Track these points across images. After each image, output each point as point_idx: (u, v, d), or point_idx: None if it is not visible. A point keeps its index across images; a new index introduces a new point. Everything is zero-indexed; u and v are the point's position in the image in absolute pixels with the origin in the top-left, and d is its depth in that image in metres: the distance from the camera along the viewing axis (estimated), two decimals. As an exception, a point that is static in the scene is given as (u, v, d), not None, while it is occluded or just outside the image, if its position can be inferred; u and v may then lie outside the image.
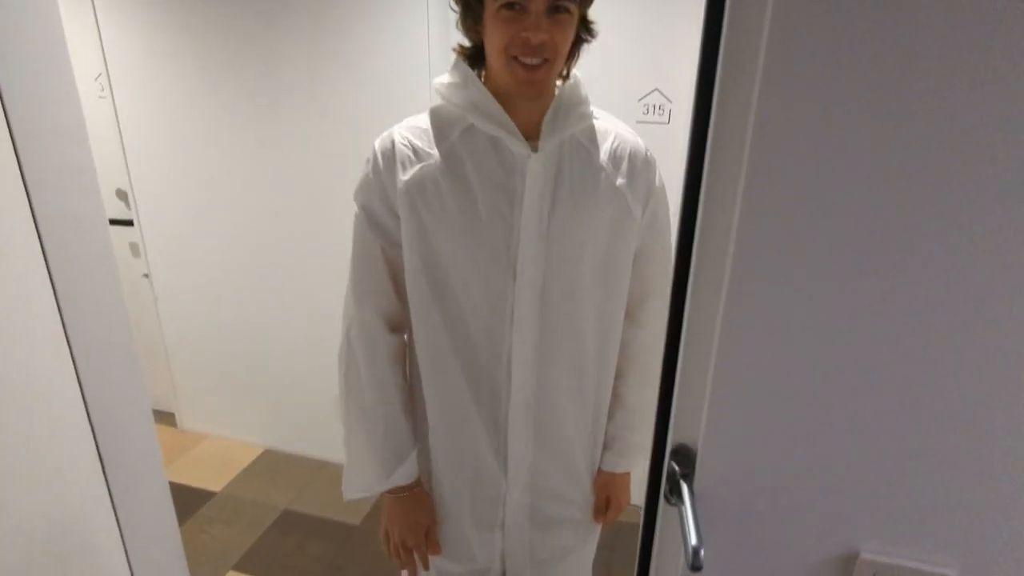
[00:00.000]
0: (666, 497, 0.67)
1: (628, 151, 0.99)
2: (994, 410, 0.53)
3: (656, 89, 1.82)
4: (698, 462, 0.63)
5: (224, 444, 2.70)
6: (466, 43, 0.97)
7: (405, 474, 1.05)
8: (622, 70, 1.81)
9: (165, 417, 2.81)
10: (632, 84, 1.83)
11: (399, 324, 1.05)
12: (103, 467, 1.01)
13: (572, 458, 1.07)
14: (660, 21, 1.76)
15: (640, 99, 1.84)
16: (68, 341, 0.92)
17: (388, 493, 1.07)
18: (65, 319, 0.91)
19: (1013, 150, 0.46)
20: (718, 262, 0.57)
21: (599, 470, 1.12)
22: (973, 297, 0.51)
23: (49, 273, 0.88)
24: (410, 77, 1.95)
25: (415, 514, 1.07)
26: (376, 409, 1.03)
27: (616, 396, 1.11)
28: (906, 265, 0.51)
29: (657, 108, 1.84)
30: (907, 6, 0.45)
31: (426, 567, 1.09)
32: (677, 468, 0.65)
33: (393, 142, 0.96)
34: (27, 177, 0.84)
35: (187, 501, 2.32)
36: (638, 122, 1.86)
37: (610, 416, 1.11)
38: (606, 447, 1.12)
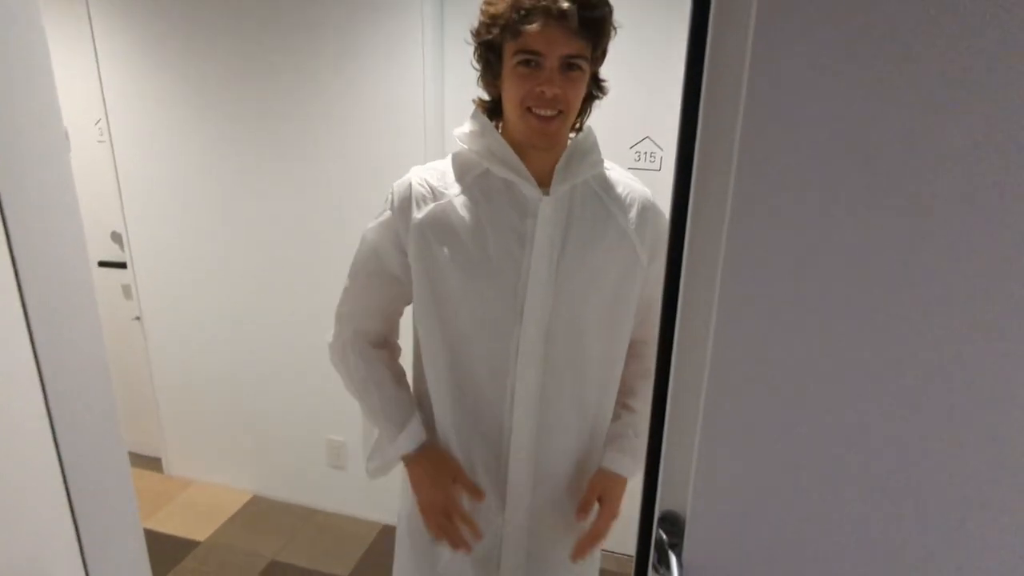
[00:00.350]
0: (655, 567, 0.64)
1: (638, 199, 1.04)
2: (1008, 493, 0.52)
3: (647, 137, 1.85)
4: (687, 531, 0.61)
5: (211, 490, 2.63)
6: (485, 97, 1.02)
7: (410, 438, 1.06)
8: (614, 118, 1.84)
9: (151, 463, 2.75)
10: (624, 132, 1.86)
11: (381, 343, 1.13)
12: (74, 518, 0.97)
13: (571, 498, 1.08)
14: (651, 71, 1.80)
15: (631, 147, 1.87)
16: (43, 384, 0.90)
17: (405, 464, 1.08)
18: (41, 362, 0.89)
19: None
20: (703, 317, 0.56)
21: (597, 469, 1.10)
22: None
23: (26, 315, 0.87)
24: (405, 125, 1.98)
25: (434, 471, 1.05)
26: (367, 388, 1.09)
27: (623, 405, 1.13)
28: (894, 342, 0.50)
29: (648, 155, 1.86)
30: (892, 68, 0.46)
31: (467, 524, 1.04)
32: (665, 537, 0.62)
33: (411, 183, 1.00)
34: (8, 218, 0.83)
35: (170, 551, 2.25)
36: (630, 168, 1.87)
37: (615, 418, 1.12)
38: (607, 444, 1.11)
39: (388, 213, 1.02)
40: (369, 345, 1.11)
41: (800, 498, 0.57)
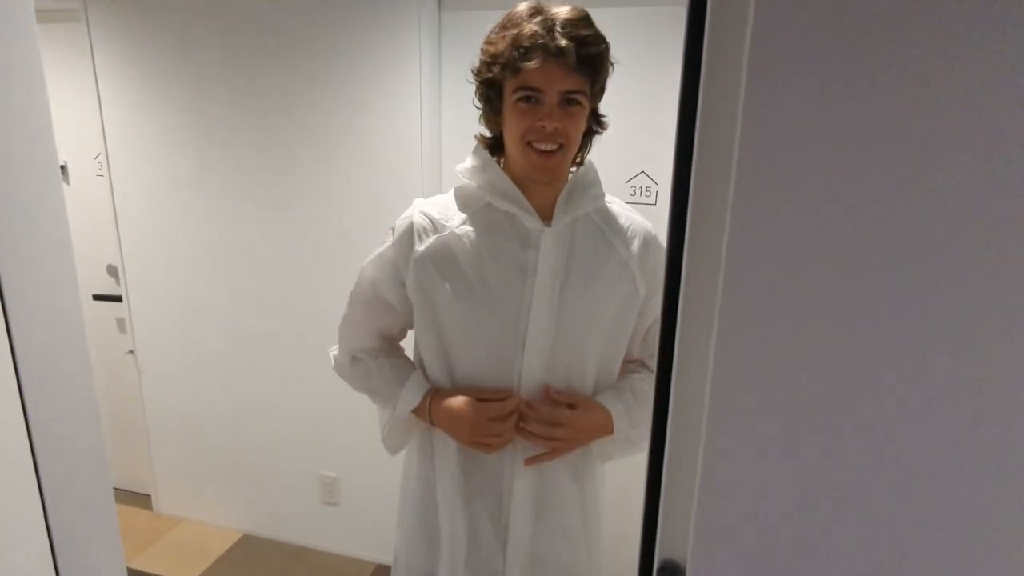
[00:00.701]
0: (655, 619, 0.61)
1: (639, 232, 1.05)
2: None
3: (642, 171, 1.87)
4: (688, 582, 0.58)
5: (201, 529, 2.57)
6: (486, 133, 1.05)
7: (413, 390, 1.06)
8: (610, 153, 1.85)
9: (141, 499, 2.69)
10: (619, 167, 1.88)
11: (373, 353, 1.15)
12: (55, 559, 0.94)
13: (573, 539, 1.06)
14: (646, 106, 1.82)
15: (627, 181, 1.88)
16: (27, 420, 0.88)
17: (424, 419, 1.06)
18: (25, 397, 0.87)
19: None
20: (700, 357, 0.55)
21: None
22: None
23: (12, 348, 0.85)
24: (403, 158, 2.00)
25: (452, 406, 1.01)
26: (368, 374, 1.12)
27: (625, 375, 1.11)
28: (896, 369, 0.49)
29: (644, 190, 1.87)
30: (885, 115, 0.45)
31: (512, 415, 1.00)
32: (666, 588, 0.60)
33: (412, 217, 1.02)
34: None
35: (157, 593, 2.18)
36: (626, 203, 1.88)
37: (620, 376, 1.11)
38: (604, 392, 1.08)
39: (388, 247, 1.04)
40: (369, 351, 1.14)
41: (806, 547, 0.55)
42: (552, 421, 0.99)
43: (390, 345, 1.18)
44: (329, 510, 2.39)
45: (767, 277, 0.50)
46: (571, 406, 1.01)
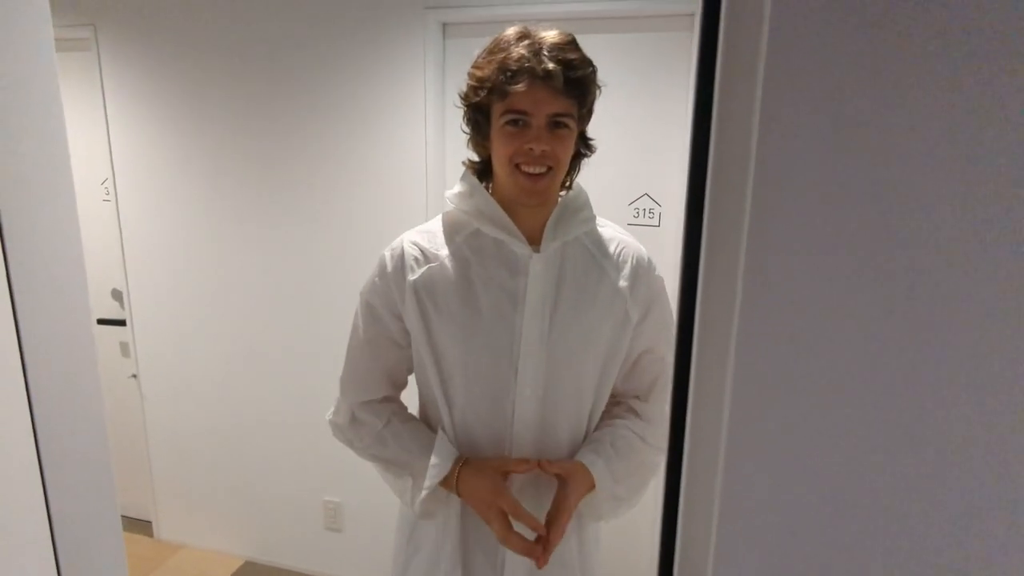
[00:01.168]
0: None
1: (631, 256, 1.03)
2: None
3: (645, 194, 1.88)
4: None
5: (202, 555, 2.54)
6: (475, 158, 1.03)
7: (441, 460, 0.97)
8: (613, 176, 1.87)
9: (142, 526, 2.66)
10: (622, 189, 1.89)
11: (378, 410, 1.08)
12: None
13: (569, 567, 1.03)
14: (648, 129, 1.85)
15: (630, 203, 1.90)
16: (37, 445, 0.87)
17: (450, 490, 0.98)
18: (36, 422, 0.87)
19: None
20: (716, 394, 0.56)
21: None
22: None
23: (24, 372, 0.85)
24: (408, 190, 2.02)
25: (481, 485, 0.95)
26: (383, 440, 1.05)
27: (607, 422, 1.06)
28: (923, 402, 0.49)
29: (647, 212, 1.89)
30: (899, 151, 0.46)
31: (530, 524, 0.93)
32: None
33: (403, 248, 1.00)
34: (12, 277, 0.83)
35: (157, 623, 2.15)
36: (629, 224, 1.90)
37: (596, 430, 1.06)
38: (583, 446, 1.03)
39: (379, 280, 1.01)
40: (367, 414, 1.07)
41: None
42: (558, 528, 0.92)
43: (398, 402, 1.11)
44: (332, 536, 2.37)
45: (787, 300, 0.50)
46: (559, 476, 0.95)
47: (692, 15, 1.75)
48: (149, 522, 2.64)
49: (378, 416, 1.05)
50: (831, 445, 0.52)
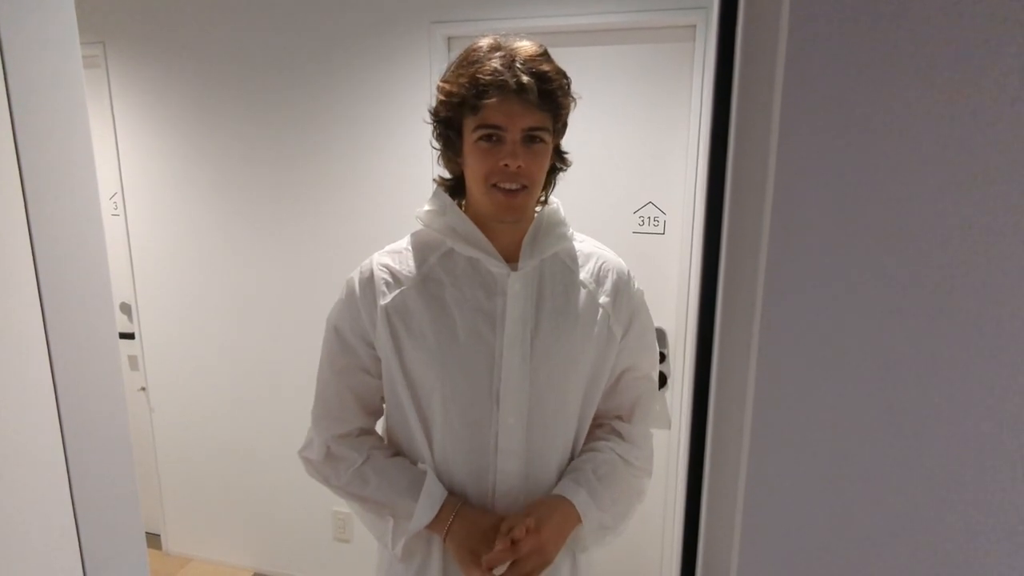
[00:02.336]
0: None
1: (612, 269, 1.00)
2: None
3: (650, 202, 1.90)
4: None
5: (211, 568, 2.53)
6: (446, 175, 1.00)
7: (429, 502, 0.92)
8: (617, 185, 1.89)
9: (150, 539, 2.66)
10: (627, 198, 1.91)
11: (356, 444, 1.01)
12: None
13: None
14: (652, 137, 1.86)
15: (635, 211, 1.92)
16: (67, 463, 0.89)
17: (435, 532, 0.94)
18: (66, 438, 0.88)
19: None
20: (735, 427, 0.56)
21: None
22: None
23: (55, 392, 0.87)
24: (420, 203, 2.03)
25: (473, 535, 0.90)
26: (363, 476, 0.97)
27: (589, 447, 1.01)
28: (941, 423, 0.50)
29: (652, 220, 1.91)
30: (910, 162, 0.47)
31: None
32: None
33: (372, 270, 0.96)
34: (43, 292, 0.85)
35: (167, 636, 2.14)
36: (634, 233, 1.92)
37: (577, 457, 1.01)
38: (564, 475, 0.98)
39: (347, 304, 0.97)
40: (342, 448, 1.00)
41: None
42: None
43: (375, 434, 1.05)
44: (341, 546, 2.37)
45: (807, 305, 0.51)
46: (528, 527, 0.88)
47: (693, 26, 1.78)
48: (158, 535, 2.64)
49: (357, 451, 0.99)
50: (854, 449, 0.51)
